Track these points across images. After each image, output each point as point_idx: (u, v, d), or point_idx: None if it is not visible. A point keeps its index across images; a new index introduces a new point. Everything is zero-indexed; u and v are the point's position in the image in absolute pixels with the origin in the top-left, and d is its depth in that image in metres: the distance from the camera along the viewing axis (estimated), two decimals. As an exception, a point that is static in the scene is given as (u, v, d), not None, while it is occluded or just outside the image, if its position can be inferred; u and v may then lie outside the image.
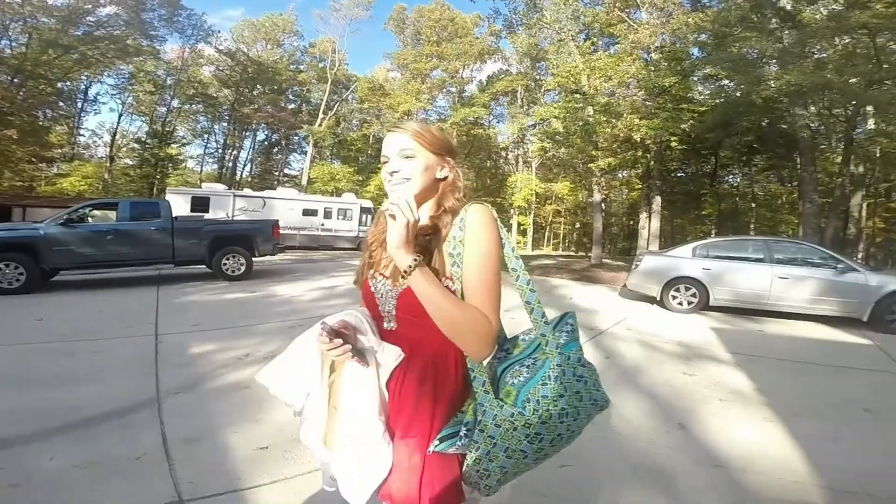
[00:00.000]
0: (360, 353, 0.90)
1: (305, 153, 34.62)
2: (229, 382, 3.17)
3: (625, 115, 13.87)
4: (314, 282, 8.11)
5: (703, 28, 14.65)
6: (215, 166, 34.73)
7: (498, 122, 33.91)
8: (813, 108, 13.34)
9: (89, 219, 7.26)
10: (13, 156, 22.70)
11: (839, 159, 15.47)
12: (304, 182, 30.07)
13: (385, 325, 0.99)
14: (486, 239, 0.89)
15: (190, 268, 8.28)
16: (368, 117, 33.81)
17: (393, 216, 0.83)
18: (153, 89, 29.47)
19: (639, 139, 14.06)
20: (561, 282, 10.03)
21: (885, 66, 11.78)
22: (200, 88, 31.28)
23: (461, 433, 0.89)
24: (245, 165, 36.54)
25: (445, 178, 1.00)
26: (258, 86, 33.53)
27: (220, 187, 17.57)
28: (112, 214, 7.42)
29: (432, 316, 0.83)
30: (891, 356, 4.53)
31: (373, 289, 1.00)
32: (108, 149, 29.61)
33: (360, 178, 29.73)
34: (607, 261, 16.66)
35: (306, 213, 17.81)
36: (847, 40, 12.84)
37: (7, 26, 22.52)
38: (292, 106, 35.86)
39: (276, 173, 37.50)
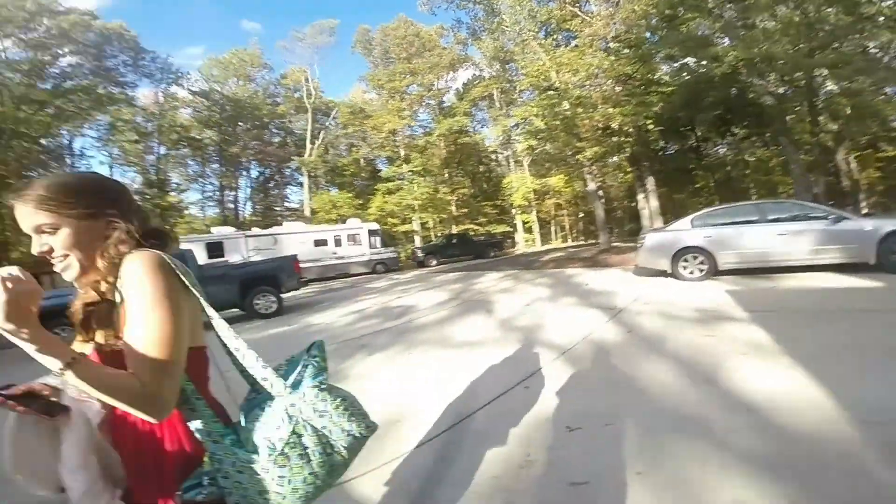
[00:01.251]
0: (46, 408, 0.85)
1: (301, 185, 34.77)
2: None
3: (598, 105, 14.51)
4: (342, 308, 8.49)
5: (649, 13, 15.28)
6: (217, 209, 35.00)
7: (482, 127, 34.48)
8: (772, 75, 13.85)
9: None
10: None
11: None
12: (307, 213, 30.56)
13: None
14: (143, 292, 0.80)
15: (224, 312, 8.69)
16: (355, 141, 34.15)
17: None
18: (136, 138, 29.68)
19: (617, 126, 14.54)
20: (575, 271, 10.36)
21: (821, 34, 12.46)
22: (183, 132, 31.34)
23: (204, 482, 0.86)
24: (245, 204, 36.92)
25: (108, 234, 0.88)
26: (240, 123, 33.71)
27: (230, 230, 18.06)
28: None
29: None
30: (899, 294, 4.78)
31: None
32: (111, 202, 30.08)
33: (360, 202, 30.23)
34: (618, 244, 16.97)
35: (317, 243, 18.24)
36: (784, 10, 13.46)
37: None
38: (277, 139, 36.07)
39: (278, 208, 37.75)
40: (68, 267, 0.88)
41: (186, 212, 33.08)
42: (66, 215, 0.85)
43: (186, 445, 0.89)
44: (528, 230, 31.71)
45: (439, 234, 29.74)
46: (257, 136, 34.68)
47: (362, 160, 34.68)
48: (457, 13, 20.13)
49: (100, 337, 0.86)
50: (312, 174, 33.33)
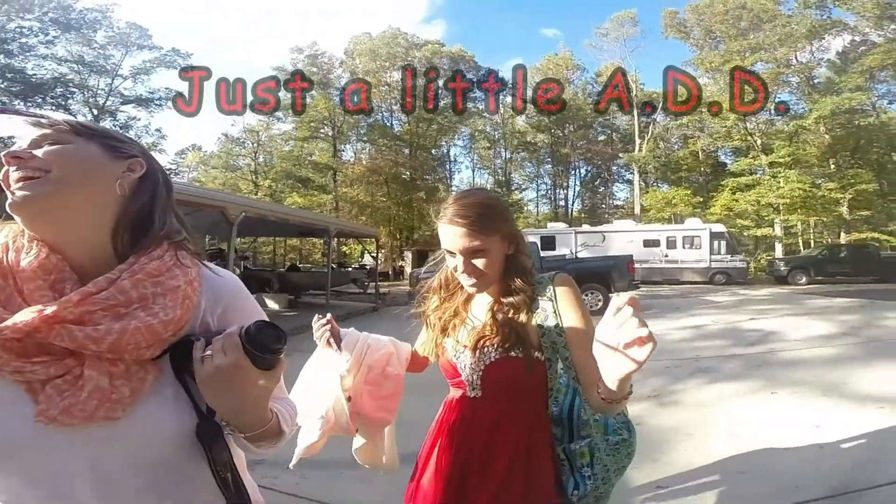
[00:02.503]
0: (334, 342, 1.14)
1: (627, 182, 33.99)
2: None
3: None
4: (673, 320, 7.70)
5: None
6: (548, 206, 38.33)
7: (889, 104, 24.00)
8: None
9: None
10: (424, 211, 33.01)
11: None
12: (636, 211, 29.40)
13: (469, 392, 1.02)
14: (583, 306, 0.97)
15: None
16: (690, 132, 30.02)
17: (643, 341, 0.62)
18: (488, 145, 35.83)
19: None
20: None
21: None
22: (521, 138, 35.83)
23: (585, 473, 0.93)
24: (573, 202, 38.74)
25: (513, 252, 0.98)
26: (567, 124, 35.42)
27: (562, 226, 19.48)
28: None
29: None
30: None
31: (454, 360, 1.03)
32: (471, 200, 38.31)
33: (700, 200, 26.46)
34: None
35: (647, 244, 17.23)
36: None
37: (391, 109, 33.23)
38: (603, 137, 36.31)
39: (604, 206, 38.03)
40: (480, 284, 0.96)
41: (525, 208, 37.73)
42: (492, 238, 0.93)
43: (554, 450, 0.97)
44: None
45: (814, 244, 22.51)
46: (583, 136, 36.01)
47: (700, 152, 30.29)
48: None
49: (502, 342, 0.96)
50: (642, 170, 31.71)
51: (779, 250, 22.56)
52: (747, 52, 24.41)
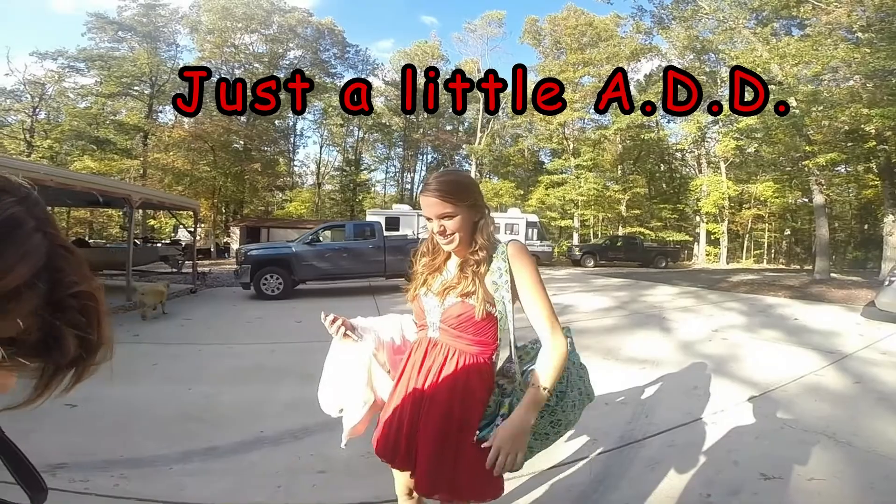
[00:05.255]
0: (351, 333, 1.32)
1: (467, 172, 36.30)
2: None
3: (844, 104, 11.83)
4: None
5: None
6: (395, 188, 38.86)
7: (668, 122, 30.80)
8: None
9: (321, 238, 9.09)
10: (258, 185, 29.92)
11: None
12: (470, 199, 31.70)
13: (430, 333, 1.25)
14: (532, 265, 1.16)
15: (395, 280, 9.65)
16: (521, 132, 33.92)
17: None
18: (341, 122, 34.13)
19: (872, 131, 11.51)
20: (777, 301, 8.51)
21: None
22: (376, 119, 34.97)
23: (497, 423, 1.10)
24: (419, 186, 40.24)
25: (479, 220, 1.18)
26: (421, 112, 36.54)
27: (406, 208, 19.92)
28: (339, 234, 9.24)
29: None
30: None
31: (423, 304, 1.26)
32: (316, 177, 35.97)
33: (521, 193, 30.13)
34: (836, 276, 13.46)
35: (474, 229, 18.82)
36: None
37: (232, 73, 29.73)
38: (450, 128, 38.11)
39: None
40: (452, 241, 1.15)
41: (373, 188, 37.72)
42: (460, 207, 1.12)
43: (489, 391, 1.19)
44: (714, 243, 27.27)
45: (601, 235, 27.90)
46: (435, 124, 37.33)
47: (526, 150, 34.42)
48: (637, 1, 18.12)
49: (461, 290, 1.15)
50: (479, 162, 34.43)
51: (576, 238, 27.26)
52: (580, 66, 27.92)
